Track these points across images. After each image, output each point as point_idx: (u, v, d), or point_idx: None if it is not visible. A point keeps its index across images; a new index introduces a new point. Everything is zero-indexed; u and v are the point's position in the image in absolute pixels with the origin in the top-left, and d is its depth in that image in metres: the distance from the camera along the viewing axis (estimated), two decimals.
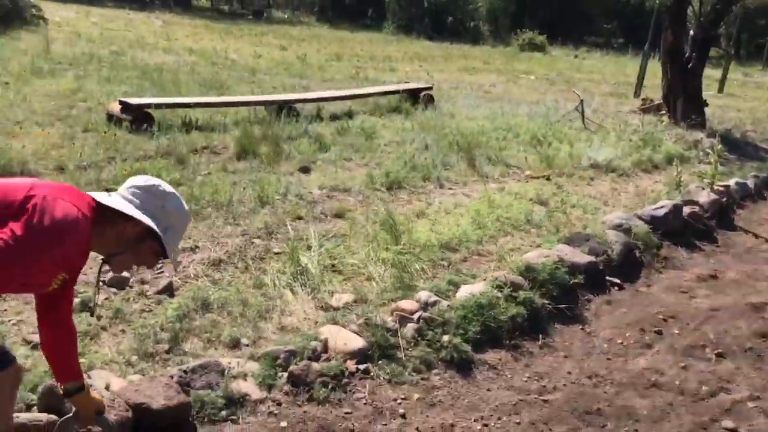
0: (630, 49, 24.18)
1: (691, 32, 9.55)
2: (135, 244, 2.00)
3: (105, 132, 6.65)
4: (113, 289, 3.76)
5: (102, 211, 1.95)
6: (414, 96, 10.10)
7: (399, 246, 4.39)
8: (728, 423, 3.17)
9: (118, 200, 1.96)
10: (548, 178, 6.73)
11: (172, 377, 2.85)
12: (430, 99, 10.15)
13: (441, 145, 7.42)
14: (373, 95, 9.97)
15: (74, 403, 2.21)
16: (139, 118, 7.15)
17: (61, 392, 2.20)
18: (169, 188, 2.04)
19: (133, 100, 7.49)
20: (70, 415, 2.26)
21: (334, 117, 8.83)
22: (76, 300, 3.55)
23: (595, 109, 10.52)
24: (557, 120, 9.26)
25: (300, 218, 5.10)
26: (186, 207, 2.10)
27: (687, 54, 9.42)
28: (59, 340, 2.12)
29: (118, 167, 5.70)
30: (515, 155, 7.46)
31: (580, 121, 9.25)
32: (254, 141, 6.81)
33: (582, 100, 9.33)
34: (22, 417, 2.45)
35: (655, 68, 14.90)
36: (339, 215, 5.23)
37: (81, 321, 3.33)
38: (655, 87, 13.84)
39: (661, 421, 3.17)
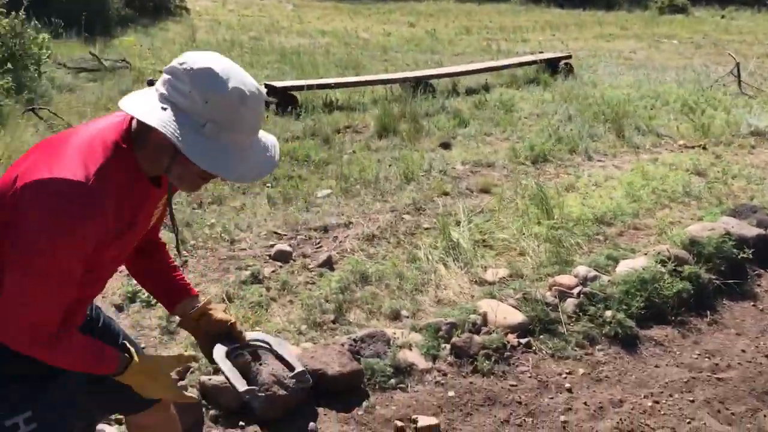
0: None
1: None
2: (173, 154, 1.33)
3: None
4: (278, 263, 3.96)
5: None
6: (552, 66, 9.81)
7: (552, 220, 4.31)
8: None
9: (133, 97, 1.36)
10: (704, 148, 6.34)
11: (343, 345, 2.97)
12: (570, 69, 9.82)
13: (585, 115, 7.17)
14: (508, 67, 9.78)
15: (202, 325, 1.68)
16: (284, 100, 7.43)
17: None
18: (203, 61, 1.29)
19: (278, 83, 7.79)
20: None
21: (470, 91, 8.75)
22: (247, 273, 3.78)
23: (751, 72, 9.76)
24: (710, 86, 8.68)
25: (446, 194, 5.12)
26: (245, 87, 1.31)
27: None
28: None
29: None
30: (666, 124, 7.08)
31: (736, 85, 8.62)
32: (393, 118, 6.88)
33: (738, 63, 8.68)
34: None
35: None
36: (485, 190, 5.20)
37: (253, 293, 3.55)
38: None
39: None
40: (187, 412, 2.35)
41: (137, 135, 1.37)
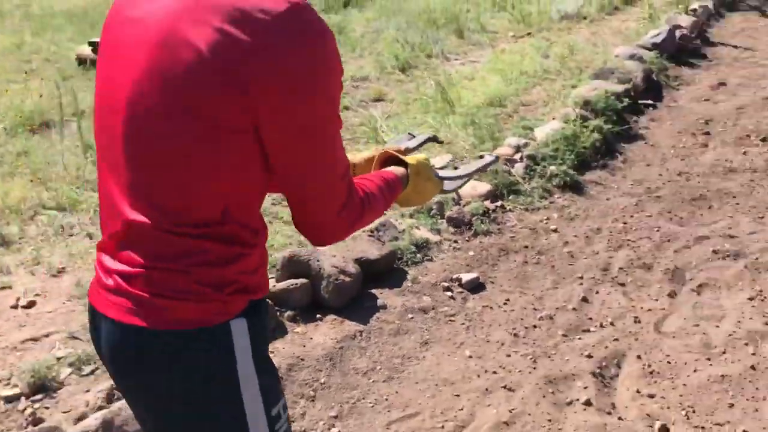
0: None
1: None
2: None
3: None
4: None
5: None
6: None
7: (461, 108, 4.71)
8: None
9: None
10: (531, 35, 7.11)
11: (368, 234, 3.17)
12: None
13: (419, 25, 7.62)
14: None
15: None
16: None
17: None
18: None
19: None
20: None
21: None
22: None
23: None
24: None
25: (347, 108, 5.30)
26: None
27: None
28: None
29: None
30: (490, 22, 7.77)
31: None
32: None
33: None
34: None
35: None
36: (379, 99, 5.46)
37: None
38: None
39: (752, 193, 3.74)
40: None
41: None
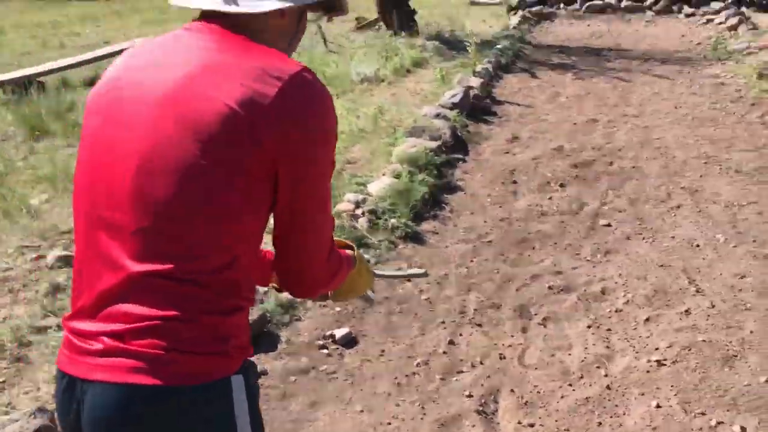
0: None
1: None
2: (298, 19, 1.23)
3: None
4: None
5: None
6: None
7: None
8: (603, 221, 4.36)
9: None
10: (337, 97, 7.42)
11: None
12: None
13: None
14: (108, 56, 9.50)
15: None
16: None
17: None
18: None
19: None
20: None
21: (90, 81, 8.35)
22: None
23: (314, 33, 11.32)
24: (304, 49, 9.88)
25: None
26: None
27: None
28: None
29: None
30: None
31: (323, 45, 9.99)
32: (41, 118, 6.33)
33: (320, 26, 10.05)
34: None
35: None
36: None
37: None
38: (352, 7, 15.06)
39: (564, 233, 4.24)
40: None
41: (255, 29, 1.13)
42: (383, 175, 4.72)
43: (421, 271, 2.02)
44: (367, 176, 4.82)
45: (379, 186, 4.50)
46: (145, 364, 1.00)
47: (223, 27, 1.12)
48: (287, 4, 1.14)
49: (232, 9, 1.11)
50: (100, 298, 1.05)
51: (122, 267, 1.03)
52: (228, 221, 1.05)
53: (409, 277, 1.88)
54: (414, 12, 10.93)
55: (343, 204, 4.23)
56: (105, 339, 1.02)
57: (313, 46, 10.05)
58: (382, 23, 11.10)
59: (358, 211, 4.16)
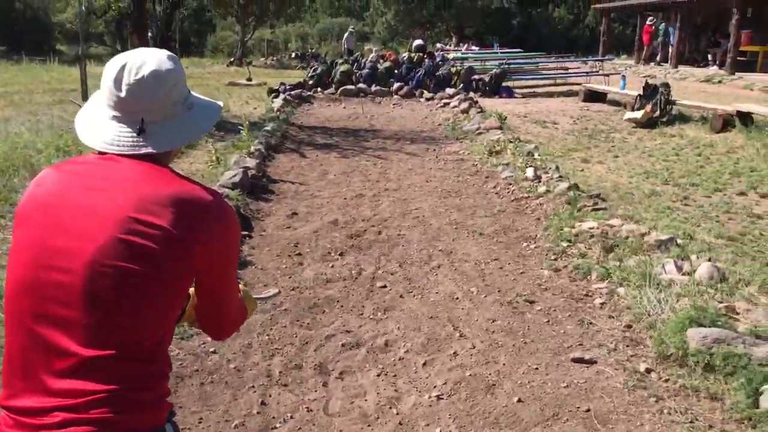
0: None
1: (149, 33, 11.00)
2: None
3: None
4: None
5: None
6: None
7: None
8: (379, 283, 4.99)
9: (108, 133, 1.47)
10: None
11: None
12: None
13: None
14: None
15: None
16: None
17: None
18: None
19: None
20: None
21: None
22: None
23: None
24: (65, 130, 9.60)
25: None
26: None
27: None
28: None
29: None
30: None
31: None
32: None
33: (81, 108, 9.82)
34: None
35: (90, 71, 15.76)
36: None
37: None
38: (95, 88, 14.77)
39: (349, 296, 4.79)
40: None
41: (160, 156, 1.50)
42: None
43: (275, 291, 2.49)
44: None
45: None
46: (98, 428, 1.28)
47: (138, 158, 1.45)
48: (186, 142, 1.57)
49: (146, 151, 1.45)
50: (50, 380, 1.30)
51: (74, 353, 1.30)
52: (161, 314, 1.38)
53: (269, 299, 2.38)
54: None
55: None
56: (61, 413, 1.28)
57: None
58: None
59: None
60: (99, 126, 1.47)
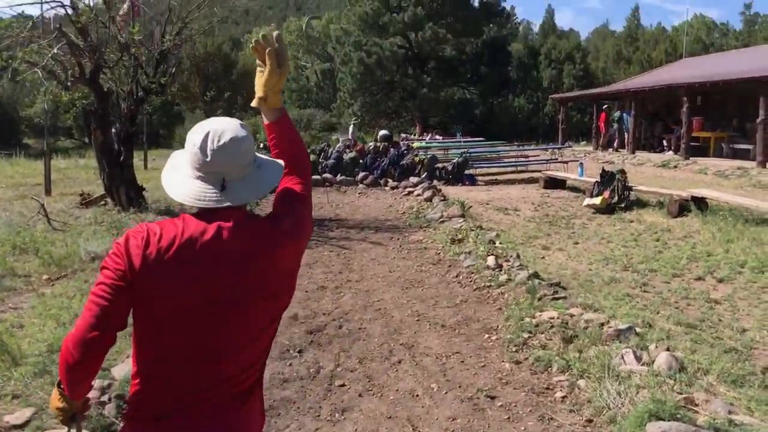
0: None
1: (114, 129, 11.04)
2: None
3: None
4: None
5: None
6: None
7: (29, 359, 4.62)
8: (338, 382, 4.88)
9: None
10: (66, 277, 7.27)
11: None
12: None
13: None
14: None
15: None
16: None
17: None
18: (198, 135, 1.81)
19: None
20: None
21: None
22: None
23: (61, 210, 10.92)
24: (24, 227, 9.45)
25: None
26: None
27: (116, 148, 10.85)
28: None
29: None
30: (18, 265, 7.63)
31: (46, 222, 9.66)
32: None
33: (42, 203, 9.74)
34: None
35: (56, 165, 15.74)
36: None
37: None
38: (60, 182, 14.76)
39: (306, 396, 4.66)
40: None
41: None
42: (128, 357, 4.78)
43: None
44: (110, 360, 4.83)
45: (123, 370, 4.55)
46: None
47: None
48: (260, 196, 1.84)
49: (227, 205, 1.78)
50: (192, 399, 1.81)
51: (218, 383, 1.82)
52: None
53: None
54: (143, 188, 11.17)
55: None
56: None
57: (34, 225, 9.70)
58: (109, 199, 11.12)
59: (104, 398, 4.17)
60: (185, 184, 1.78)
